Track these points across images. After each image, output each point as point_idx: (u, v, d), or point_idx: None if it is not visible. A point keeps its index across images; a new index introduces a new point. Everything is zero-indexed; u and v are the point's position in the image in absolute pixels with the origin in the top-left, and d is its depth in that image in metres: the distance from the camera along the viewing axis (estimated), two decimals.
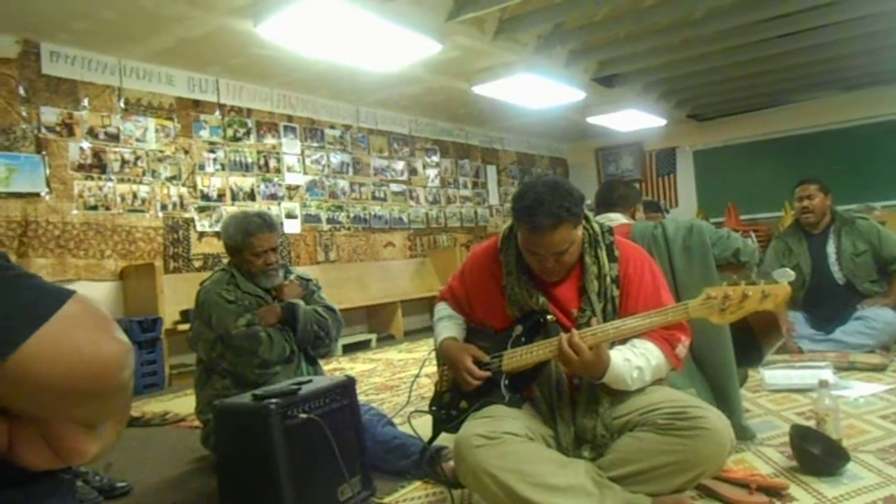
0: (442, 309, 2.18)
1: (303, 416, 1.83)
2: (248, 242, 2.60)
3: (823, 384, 2.25)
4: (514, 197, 1.89)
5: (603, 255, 1.92)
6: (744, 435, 2.33)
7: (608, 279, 1.89)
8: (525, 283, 1.92)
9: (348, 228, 7.15)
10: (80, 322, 0.68)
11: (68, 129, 4.95)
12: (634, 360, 1.80)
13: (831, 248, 4.00)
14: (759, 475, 2.01)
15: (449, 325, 2.11)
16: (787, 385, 3.04)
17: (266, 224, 2.64)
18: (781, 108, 8.97)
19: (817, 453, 2.04)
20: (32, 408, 0.70)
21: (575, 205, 1.82)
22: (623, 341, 1.85)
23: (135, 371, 0.76)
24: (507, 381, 1.91)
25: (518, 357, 1.88)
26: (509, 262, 1.95)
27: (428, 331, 7.15)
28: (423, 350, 5.79)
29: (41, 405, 0.69)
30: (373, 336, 6.62)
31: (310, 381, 2.06)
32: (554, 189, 1.82)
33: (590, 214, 2.01)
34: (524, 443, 1.77)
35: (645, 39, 5.97)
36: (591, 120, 8.56)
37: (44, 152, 4.79)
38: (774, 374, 3.11)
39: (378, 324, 6.98)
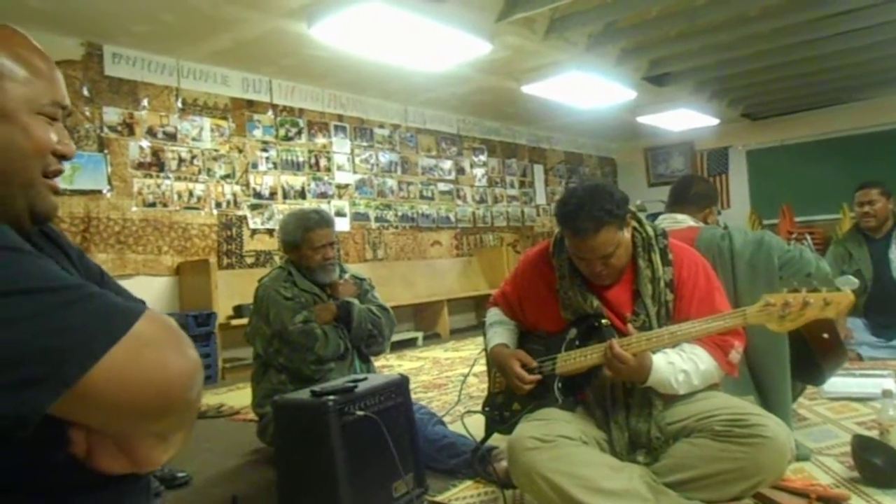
0: (493, 314, 2.20)
1: (359, 413, 1.87)
2: (307, 238, 2.66)
3: (888, 394, 2.18)
4: (557, 203, 1.90)
5: (656, 258, 1.90)
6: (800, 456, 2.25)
7: (662, 283, 1.88)
8: (578, 286, 1.92)
9: (396, 227, 7.22)
10: (149, 342, 0.69)
11: (129, 128, 5.12)
12: (680, 363, 1.78)
13: (894, 254, 3.88)
14: (818, 485, 1.97)
15: (500, 330, 2.12)
16: (846, 393, 2.96)
17: (324, 220, 2.70)
18: (840, 107, 8.70)
19: (880, 464, 1.98)
20: (103, 425, 0.72)
21: (616, 207, 1.81)
22: (674, 345, 1.83)
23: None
24: (560, 385, 1.92)
25: (572, 360, 1.89)
26: (562, 266, 1.96)
27: (474, 330, 7.21)
28: (470, 349, 5.81)
29: (112, 424, 0.72)
30: (419, 334, 6.67)
31: (365, 378, 2.09)
32: (594, 193, 1.82)
33: (642, 216, 1.99)
34: (578, 446, 1.77)
35: (697, 38, 5.87)
36: (641, 119, 8.45)
37: (106, 151, 4.97)
38: (833, 381, 3.02)
39: (424, 322, 7.03)
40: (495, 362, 2.05)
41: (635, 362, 1.71)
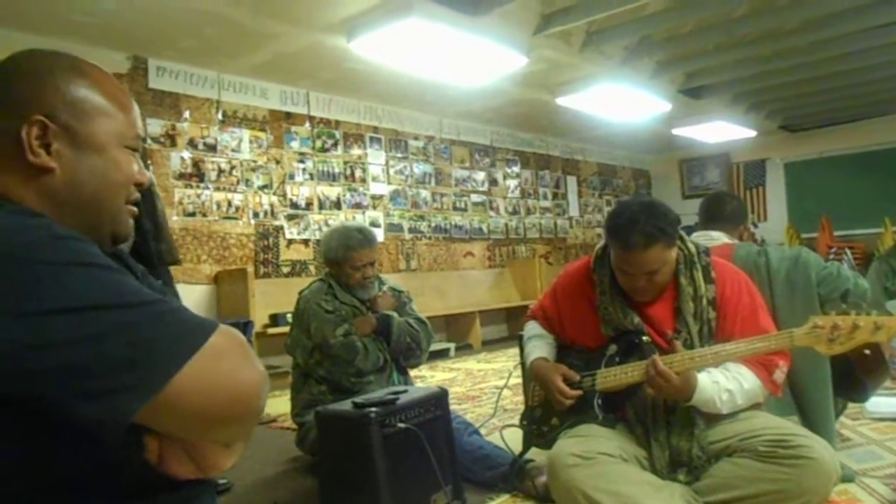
0: (532, 328, 2.20)
1: (400, 425, 1.89)
2: (349, 257, 2.69)
3: None
4: (609, 215, 1.91)
5: (699, 276, 1.89)
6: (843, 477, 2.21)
7: (704, 300, 1.87)
8: (619, 302, 1.92)
9: (429, 238, 7.26)
10: (223, 354, 0.75)
11: (171, 139, 5.25)
12: (724, 382, 1.78)
13: None
14: None
15: (539, 344, 2.13)
16: (891, 413, 2.90)
17: (366, 239, 2.73)
18: (881, 119, 8.54)
19: None
20: (179, 432, 0.78)
21: (669, 225, 1.81)
22: (717, 364, 1.82)
23: None
24: (600, 401, 1.92)
25: (612, 377, 1.89)
26: (603, 281, 1.96)
27: (505, 341, 7.21)
28: (502, 361, 5.81)
29: (187, 430, 0.77)
30: (451, 345, 6.69)
31: (405, 391, 2.12)
32: (649, 209, 1.83)
33: (685, 235, 1.99)
34: (619, 464, 1.77)
35: (735, 50, 5.83)
36: (677, 131, 8.39)
37: (149, 162, 5.09)
38: (877, 401, 2.96)
39: (456, 333, 7.04)
40: (536, 376, 2.05)
41: (679, 381, 1.71)
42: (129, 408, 0.68)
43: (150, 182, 1.00)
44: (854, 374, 2.28)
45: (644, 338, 1.87)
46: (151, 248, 3.37)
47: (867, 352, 2.26)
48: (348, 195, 6.49)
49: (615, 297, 1.92)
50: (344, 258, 2.70)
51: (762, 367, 1.81)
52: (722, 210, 2.59)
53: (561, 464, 1.75)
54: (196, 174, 5.39)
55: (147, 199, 3.47)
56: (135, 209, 0.94)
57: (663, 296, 1.91)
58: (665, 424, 1.85)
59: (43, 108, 0.83)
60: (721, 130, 8.42)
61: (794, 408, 2.22)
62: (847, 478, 2.15)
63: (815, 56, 5.95)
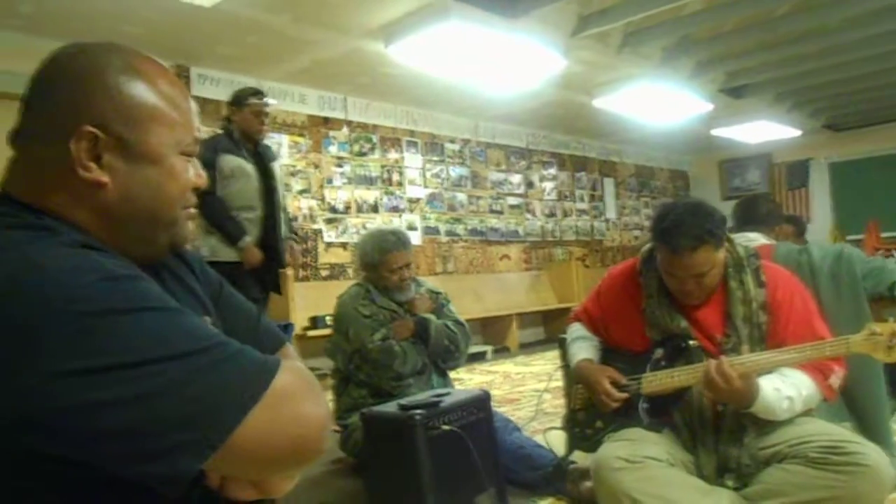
0: (576, 329, 2.19)
1: (445, 427, 1.91)
2: (384, 260, 2.71)
3: None
4: (654, 218, 1.88)
5: (748, 279, 1.86)
6: None
7: (755, 304, 1.84)
8: (666, 306, 1.90)
9: (466, 241, 7.27)
10: (286, 398, 0.70)
11: None
12: (785, 389, 1.73)
13: None
14: None
15: (584, 345, 2.11)
16: None
17: (401, 242, 2.75)
18: None
19: None
20: (241, 476, 0.75)
21: (716, 227, 1.79)
22: (770, 370, 1.79)
23: None
24: (646, 405, 1.90)
25: (658, 381, 1.87)
26: (650, 284, 1.94)
27: (542, 344, 7.17)
28: (540, 364, 5.78)
29: (248, 475, 0.75)
30: (488, 348, 6.68)
31: (448, 393, 2.13)
32: (695, 210, 1.80)
33: (732, 237, 1.95)
34: (666, 468, 1.75)
35: (777, 49, 5.73)
36: (716, 132, 8.26)
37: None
38: None
39: (493, 336, 7.04)
40: (581, 377, 2.04)
41: (741, 384, 1.66)
42: (189, 468, 0.64)
43: (206, 184, 0.91)
44: None
45: (691, 342, 1.85)
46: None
47: None
48: (385, 199, 6.53)
49: (662, 301, 1.90)
50: (380, 261, 2.72)
51: (818, 372, 1.76)
52: (756, 211, 2.59)
53: (607, 467, 1.74)
54: None
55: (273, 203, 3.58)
56: (194, 212, 0.90)
57: (712, 299, 1.88)
58: (713, 430, 1.82)
59: (93, 116, 0.76)
60: (763, 130, 8.27)
61: (846, 413, 2.17)
62: None
63: (861, 53, 5.82)
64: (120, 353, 0.63)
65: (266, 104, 3.66)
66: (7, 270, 0.65)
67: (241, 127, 3.57)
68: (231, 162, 3.47)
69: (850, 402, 2.23)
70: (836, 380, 1.78)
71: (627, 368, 1.96)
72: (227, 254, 3.41)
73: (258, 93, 3.66)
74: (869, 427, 2.18)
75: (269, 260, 3.56)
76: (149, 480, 0.64)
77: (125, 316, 0.65)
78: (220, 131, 3.67)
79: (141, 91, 0.79)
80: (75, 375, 0.61)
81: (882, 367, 2.19)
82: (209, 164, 3.31)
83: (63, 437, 0.61)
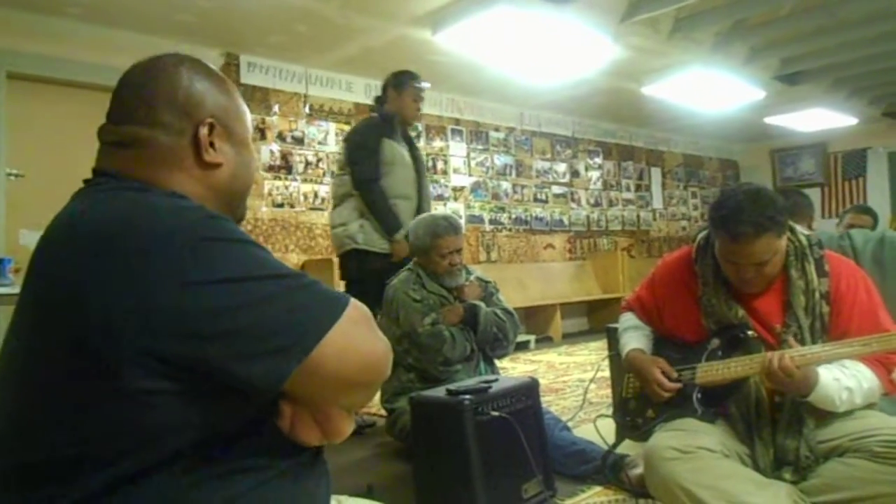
0: (628, 319, 2.16)
1: (494, 413, 1.90)
2: (436, 244, 2.72)
3: None
4: (713, 205, 1.84)
5: (811, 268, 1.80)
6: None
7: (817, 294, 1.78)
8: (723, 294, 1.85)
9: (510, 229, 7.24)
10: (357, 324, 0.82)
11: (261, 133, 5.43)
12: (844, 380, 1.68)
13: None
14: None
15: (636, 335, 2.08)
16: None
17: (452, 227, 2.76)
18: None
19: None
20: (319, 395, 0.84)
21: (778, 213, 1.73)
22: (829, 361, 1.73)
23: None
24: (699, 395, 1.86)
25: (714, 371, 1.83)
26: (706, 272, 1.90)
27: (586, 335, 7.12)
28: (584, 354, 5.74)
29: (325, 393, 0.83)
30: (531, 337, 6.66)
31: (496, 380, 2.13)
32: (756, 197, 1.75)
33: (795, 226, 1.89)
34: (720, 459, 1.72)
35: (836, 34, 5.52)
36: (769, 120, 8.04)
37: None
38: None
39: (536, 325, 7.00)
40: (632, 367, 2.01)
41: (800, 374, 1.63)
42: (287, 369, 0.75)
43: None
44: None
45: (750, 332, 1.80)
46: None
47: None
48: (430, 187, 6.53)
49: (719, 290, 1.86)
50: (431, 246, 2.73)
51: (881, 365, 1.71)
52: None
53: (659, 457, 1.71)
54: (284, 166, 5.56)
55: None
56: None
57: (772, 288, 1.83)
58: (770, 421, 1.78)
59: (208, 110, 0.93)
60: (818, 118, 8.01)
61: None
62: None
63: None
64: (228, 270, 0.75)
65: (423, 89, 3.54)
66: (121, 212, 0.78)
67: (399, 111, 3.42)
68: (393, 148, 3.33)
69: None
70: None
71: (681, 358, 1.93)
72: (380, 244, 3.28)
73: (416, 76, 3.54)
74: None
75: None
76: (251, 379, 0.75)
77: (230, 243, 0.78)
78: (373, 115, 3.54)
79: (230, 94, 0.98)
80: (191, 286, 0.73)
81: None
82: (373, 150, 3.26)
83: (182, 338, 0.72)
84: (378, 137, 3.29)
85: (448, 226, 2.75)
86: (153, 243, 0.74)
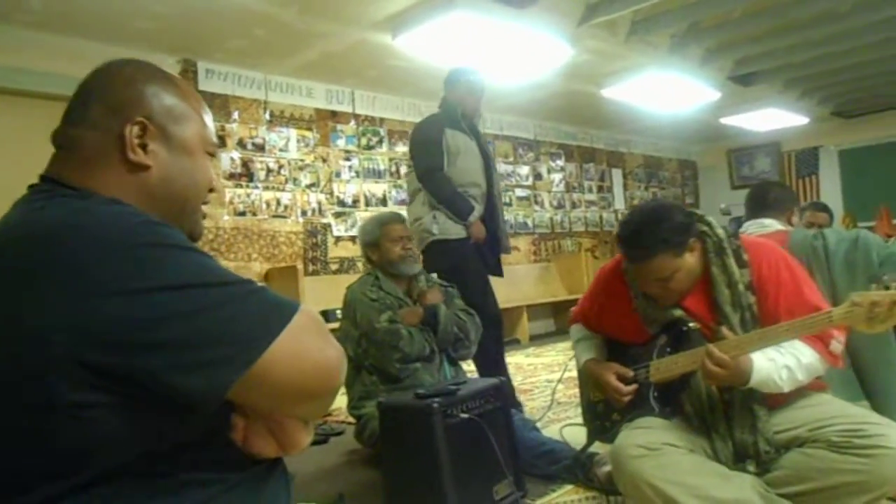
0: (578, 330, 2.19)
1: (463, 415, 1.90)
2: (384, 231, 2.80)
3: None
4: (619, 224, 1.88)
5: (731, 261, 1.81)
6: None
7: (740, 286, 1.79)
8: (654, 302, 1.88)
9: None
10: (307, 331, 0.79)
11: (221, 140, 5.34)
12: (781, 359, 1.69)
13: None
14: None
15: (587, 345, 2.11)
16: None
17: (396, 216, 2.91)
18: None
19: None
20: (269, 406, 0.82)
21: (674, 233, 1.75)
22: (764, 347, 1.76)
23: None
24: (655, 393, 1.89)
25: (664, 368, 1.85)
26: (635, 282, 1.92)
27: (553, 336, 7.16)
28: (551, 355, 5.77)
29: (275, 403, 0.81)
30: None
31: (465, 382, 2.12)
32: (651, 218, 1.78)
33: (712, 220, 1.90)
34: (686, 454, 1.74)
35: (786, 35, 5.67)
36: (725, 120, 8.21)
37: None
38: None
39: (503, 328, 7.00)
40: (590, 377, 2.05)
41: (734, 364, 1.65)
42: (228, 379, 0.72)
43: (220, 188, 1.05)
44: None
45: (691, 325, 1.83)
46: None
47: None
48: (394, 192, 6.52)
49: (649, 298, 1.89)
50: (381, 234, 2.81)
51: (817, 339, 1.72)
52: (765, 198, 2.59)
53: (626, 455, 1.73)
54: (245, 174, 5.49)
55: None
56: (204, 210, 1.00)
57: (698, 288, 1.84)
58: (724, 416, 1.80)
59: (143, 110, 0.89)
60: (771, 118, 8.21)
61: (862, 393, 2.14)
62: None
63: (870, 38, 5.75)
64: (168, 277, 0.73)
65: (478, 84, 3.52)
66: (59, 218, 0.76)
67: (459, 105, 3.43)
68: (457, 138, 3.32)
69: (864, 379, 2.20)
70: (837, 345, 1.73)
71: (637, 357, 1.95)
72: (456, 230, 3.25)
73: (468, 70, 3.56)
74: (883, 404, 2.14)
75: (490, 241, 3.40)
76: (190, 392, 0.72)
77: (170, 249, 0.75)
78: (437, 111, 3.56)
79: (177, 95, 0.94)
80: (129, 294, 0.70)
81: (893, 342, 2.15)
82: (436, 141, 3.25)
83: (118, 349, 0.69)
84: (440, 128, 3.29)
85: (392, 215, 2.90)
86: (87, 251, 0.71)
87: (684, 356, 1.79)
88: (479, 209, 3.32)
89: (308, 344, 0.78)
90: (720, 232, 1.86)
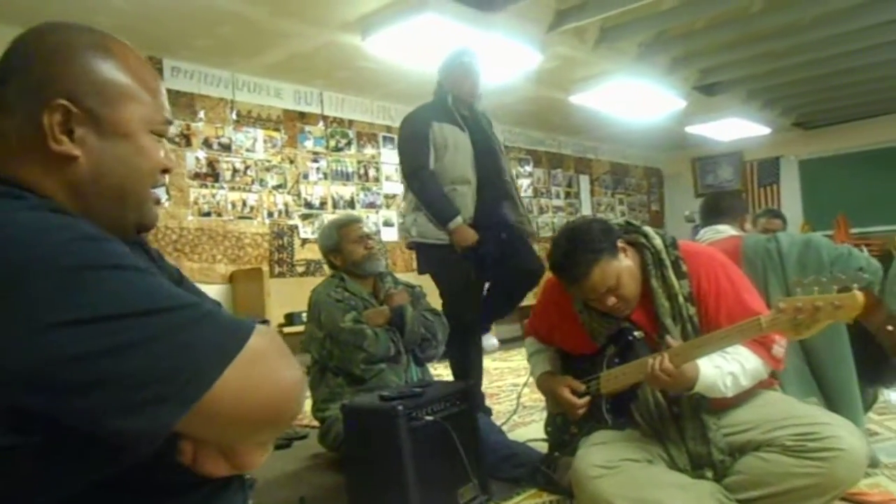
0: (530, 343, 2.21)
1: (428, 418, 1.88)
2: (343, 233, 2.78)
3: None
4: (548, 258, 1.89)
5: (670, 273, 1.82)
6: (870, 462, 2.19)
7: (680, 298, 1.80)
8: (598, 313, 1.89)
9: None
10: (261, 357, 0.71)
11: (186, 139, 5.26)
12: (726, 365, 1.72)
13: None
14: None
15: (541, 358, 2.13)
16: None
17: (353, 217, 2.92)
18: None
19: None
20: (218, 438, 0.75)
21: (600, 241, 1.78)
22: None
23: None
24: (608, 405, 1.90)
25: (613, 379, 1.86)
26: (577, 297, 1.93)
27: (519, 340, 7.15)
28: (518, 359, 5.79)
29: (225, 436, 0.75)
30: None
31: (430, 385, 2.11)
32: (574, 235, 1.81)
33: (649, 230, 1.91)
34: (644, 468, 1.75)
35: (750, 46, 5.79)
36: (690, 129, 8.34)
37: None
38: None
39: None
40: (544, 391, 2.07)
41: (677, 373, 1.66)
42: (166, 421, 0.64)
43: (175, 167, 0.93)
44: (884, 356, 2.25)
45: (636, 333, 1.84)
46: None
47: (889, 328, 2.22)
48: (362, 194, 6.49)
49: (592, 312, 1.90)
50: (340, 236, 2.78)
51: (759, 345, 1.75)
52: (718, 206, 2.67)
53: (585, 476, 1.74)
54: (211, 174, 5.40)
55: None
56: (160, 196, 0.89)
57: (639, 302, 1.86)
58: (675, 426, 1.81)
59: (66, 90, 0.77)
60: (735, 128, 8.37)
61: (813, 388, 2.18)
62: (873, 461, 2.13)
63: (831, 51, 5.91)
64: (97, 306, 0.63)
65: (473, 65, 3.21)
66: None
67: (452, 91, 3.15)
68: (444, 130, 3.03)
69: (818, 376, 2.24)
70: (779, 349, 1.76)
71: (587, 370, 1.96)
72: (436, 235, 2.98)
73: (463, 50, 3.26)
74: (836, 400, 2.18)
75: (490, 237, 3.01)
76: (124, 436, 0.64)
77: (102, 272, 0.65)
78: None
79: (112, 69, 0.81)
80: (54, 328, 0.61)
81: (846, 340, 2.19)
82: (421, 137, 3.01)
83: (40, 389, 0.61)
84: (426, 122, 3.04)
85: (347, 216, 2.90)
86: (6, 275, 0.62)
87: (632, 366, 1.80)
88: (468, 209, 3.01)
89: (262, 372, 0.70)
90: (657, 242, 1.86)
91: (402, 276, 3.18)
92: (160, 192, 0.90)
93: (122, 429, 0.63)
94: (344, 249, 2.78)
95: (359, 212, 6.37)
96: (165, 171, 0.87)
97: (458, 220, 2.94)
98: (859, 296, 1.44)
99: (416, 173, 3.05)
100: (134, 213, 0.83)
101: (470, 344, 3.21)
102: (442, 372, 5.28)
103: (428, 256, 3.07)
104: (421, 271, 3.15)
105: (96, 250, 0.67)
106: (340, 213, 2.93)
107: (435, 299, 3.13)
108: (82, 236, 0.67)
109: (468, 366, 3.17)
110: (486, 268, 3.03)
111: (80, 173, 0.78)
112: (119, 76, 0.81)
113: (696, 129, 8.36)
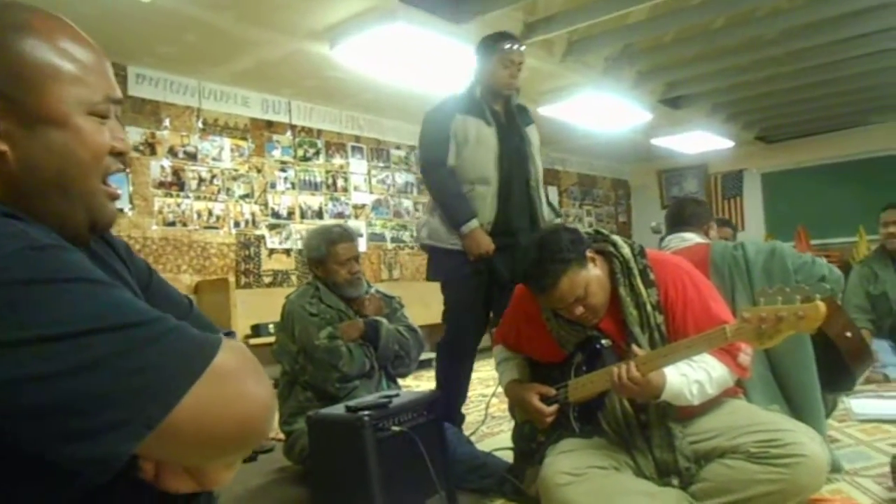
0: (500, 352, 2.21)
1: (395, 428, 1.86)
2: (332, 252, 2.66)
3: None
4: (517, 270, 1.91)
5: (638, 282, 1.84)
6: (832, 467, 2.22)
7: (648, 306, 1.82)
8: (566, 321, 1.90)
9: (412, 247, 7.23)
10: (228, 376, 0.66)
11: (151, 148, 5.17)
12: (693, 374, 1.74)
13: None
14: None
15: (509, 366, 2.13)
16: (877, 415, 2.91)
17: (347, 233, 2.71)
18: (856, 129, 8.68)
19: None
20: (179, 461, 0.71)
21: (568, 250, 1.78)
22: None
23: None
24: (576, 413, 1.90)
25: (581, 387, 1.87)
26: (546, 308, 1.94)
27: (489, 351, 7.14)
28: (486, 369, 5.76)
29: (187, 459, 0.70)
30: (435, 355, 6.62)
31: (397, 394, 2.09)
32: (541, 246, 1.81)
33: (618, 239, 1.93)
34: (610, 476, 1.76)
35: (714, 60, 5.91)
36: (656, 142, 8.46)
37: (128, 170, 5.00)
38: (863, 403, 3.00)
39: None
40: (512, 399, 2.06)
41: (644, 381, 1.68)
42: (122, 449, 0.60)
43: (130, 150, 0.84)
44: (841, 362, 2.29)
45: (604, 342, 1.85)
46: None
47: (848, 334, 2.27)
48: (330, 204, 6.44)
49: (561, 321, 1.91)
50: (327, 254, 2.67)
51: (726, 353, 1.77)
52: (682, 214, 2.70)
53: (553, 484, 1.74)
54: (176, 183, 5.32)
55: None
56: (115, 190, 0.81)
57: (607, 310, 1.88)
58: (641, 434, 1.82)
59: None
60: (699, 141, 8.52)
61: (777, 394, 2.21)
62: (836, 467, 2.16)
63: (793, 66, 6.05)
64: (46, 325, 0.58)
65: (520, 51, 2.85)
66: None
67: (487, 81, 2.84)
68: (468, 124, 2.74)
69: (782, 383, 2.27)
70: (745, 357, 1.78)
71: (556, 378, 1.97)
72: (448, 240, 2.73)
73: (510, 37, 2.89)
74: (800, 408, 2.21)
75: (507, 252, 2.71)
76: (78, 463, 0.59)
77: (52, 286, 0.60)
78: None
79: (34, 47, 0.73)
80: (1, 348, 0.56)
81: (810, 347, 2.22)
82: (441, 130, 2.74)
83: None
84: (449, 114, 2.77)
85: (342, 232, 2.70)
86: None
87: (599, 374, 1.81)
88: (488, 213, 2.72)
89: (227, 393, 0.65)
90: (626, 251, 1.87)
91: (376, 286, 3.10)
92: (117, 182, 0.80)
93: (77, 456, 0.59)
94: (328, 267, 2.67)
95: (327, 222, 6.33)
96: (118, 154, 0.80)
97: (474, 223, 2.66)
98: (821, 307, 1.46)
99: (432, 169, 2.79)
100: (82, 208, 0.76)
101: (459, 367, 3.06)
102: (410, 383, 5.24)
103: (438, 263, 2.83)
104: (429, 278, 2.93)
105: (47, 261, 0.62)
106: (334, 223, 2.78)
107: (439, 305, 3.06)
108: (31, 246, 0.61)
109: (452, 383, 3.01)
110: (498, 287, 2.72)
111: (9, 170, 0.71)
112: (42, 55, 0.73)
113: (661, 142, 8.49)
